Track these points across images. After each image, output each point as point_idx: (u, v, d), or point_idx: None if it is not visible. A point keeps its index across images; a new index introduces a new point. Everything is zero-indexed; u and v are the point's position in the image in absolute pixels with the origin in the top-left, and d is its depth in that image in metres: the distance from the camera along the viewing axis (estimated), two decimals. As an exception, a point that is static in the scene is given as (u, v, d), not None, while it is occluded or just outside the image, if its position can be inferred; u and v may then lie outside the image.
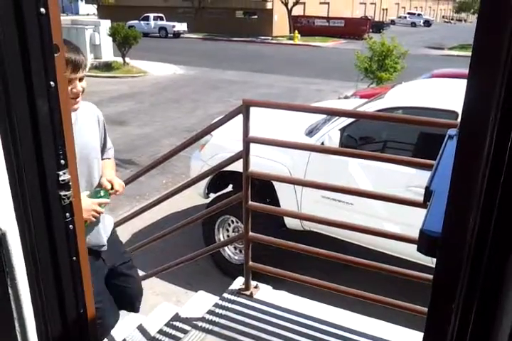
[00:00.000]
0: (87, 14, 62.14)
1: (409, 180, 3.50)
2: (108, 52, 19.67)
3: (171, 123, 10.46)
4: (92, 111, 2.29)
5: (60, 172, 1.22)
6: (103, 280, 2.39)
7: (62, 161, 1.24)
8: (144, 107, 12.29)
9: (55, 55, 1.16)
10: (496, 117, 0.67)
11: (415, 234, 0.92)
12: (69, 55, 1.91)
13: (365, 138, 4.13)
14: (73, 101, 2.01)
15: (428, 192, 1.05)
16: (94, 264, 2.08)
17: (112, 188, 2.28)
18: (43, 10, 1.07)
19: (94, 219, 2.17)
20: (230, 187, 4.80)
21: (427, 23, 64.94)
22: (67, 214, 1.27)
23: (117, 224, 3.20)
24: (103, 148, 2.40)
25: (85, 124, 2.19)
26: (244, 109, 2.61)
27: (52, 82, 1.16)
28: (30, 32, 1.09)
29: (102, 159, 2.37)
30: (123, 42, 17.83)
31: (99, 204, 2.17)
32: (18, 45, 1.09)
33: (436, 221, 0.84)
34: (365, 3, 60.00)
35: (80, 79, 2.02)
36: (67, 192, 1.24)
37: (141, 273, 3.26)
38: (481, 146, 0.71)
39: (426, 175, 1.23)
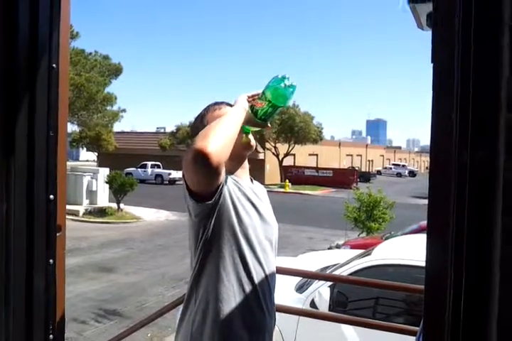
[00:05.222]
0: (87, 160, 64.90)
1: (401, 338, 3.41)
2: (104, 198, 20.20)
3: (160, 271, 10.33)
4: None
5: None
6: None
7: (51, 336, 1.25)
8: (134, 254, 12.23)
9: (57, 234, 1.24)
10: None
11: None
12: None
13: (355, 294, 4.10)
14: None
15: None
16: None
17: None
18: (52, 196, 1.18)
19: None
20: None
21: (412, 174, 68.04)
22: None
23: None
24: None
25: (265, 197, 1.93)
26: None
27: (51, 260, 1.22)
28: (38, 215, 1.18)
29: None
30: (119, 190, 18.39)
31: None
32: (25, 226, 1.18)
33: None
34: (351, 155, 63.59)
35: None
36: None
37: None
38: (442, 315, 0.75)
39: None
